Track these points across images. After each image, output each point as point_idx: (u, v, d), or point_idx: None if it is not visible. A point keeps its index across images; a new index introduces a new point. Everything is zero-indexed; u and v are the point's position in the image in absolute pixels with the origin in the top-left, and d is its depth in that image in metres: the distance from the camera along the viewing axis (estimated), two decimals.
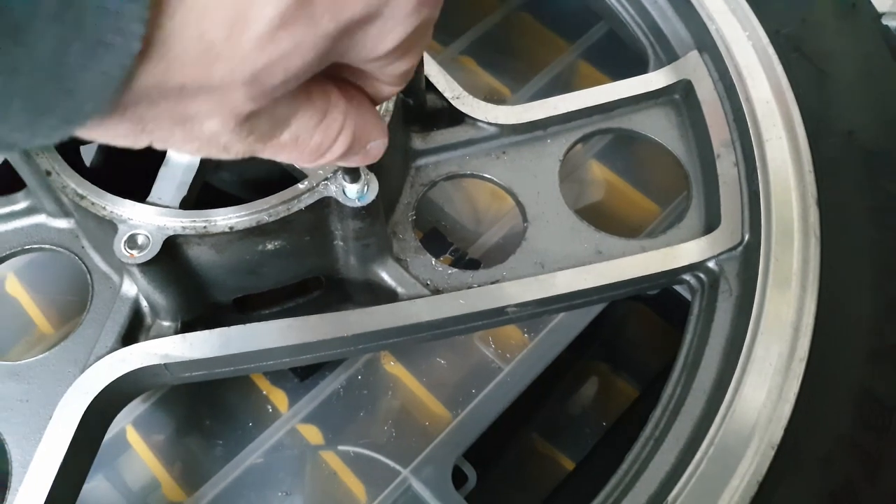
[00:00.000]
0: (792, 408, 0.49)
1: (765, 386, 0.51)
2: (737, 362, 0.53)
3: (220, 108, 0.27)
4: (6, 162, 0.59)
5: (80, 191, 0.50)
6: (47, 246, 0.60)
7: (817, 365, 0.51)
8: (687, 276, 0.60)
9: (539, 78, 0.85)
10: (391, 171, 0.60)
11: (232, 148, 0.29)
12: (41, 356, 0.55)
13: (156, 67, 0.24)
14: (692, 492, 0.48)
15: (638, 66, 0.73)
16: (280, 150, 0.31)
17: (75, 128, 0.24)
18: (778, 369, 0.51)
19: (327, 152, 0.32)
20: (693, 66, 0.67)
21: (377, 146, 0.35)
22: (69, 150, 0.56)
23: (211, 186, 0.61)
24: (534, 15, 0.91)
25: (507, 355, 0.69)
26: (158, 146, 0.29)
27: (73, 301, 0.73)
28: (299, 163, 0.33)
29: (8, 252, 0.59)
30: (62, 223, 0.60)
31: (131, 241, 0.48)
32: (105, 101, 0.24)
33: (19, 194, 0.60)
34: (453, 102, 0.65)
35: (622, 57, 0.80)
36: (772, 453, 0.48)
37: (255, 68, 0.26)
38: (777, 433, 0.49)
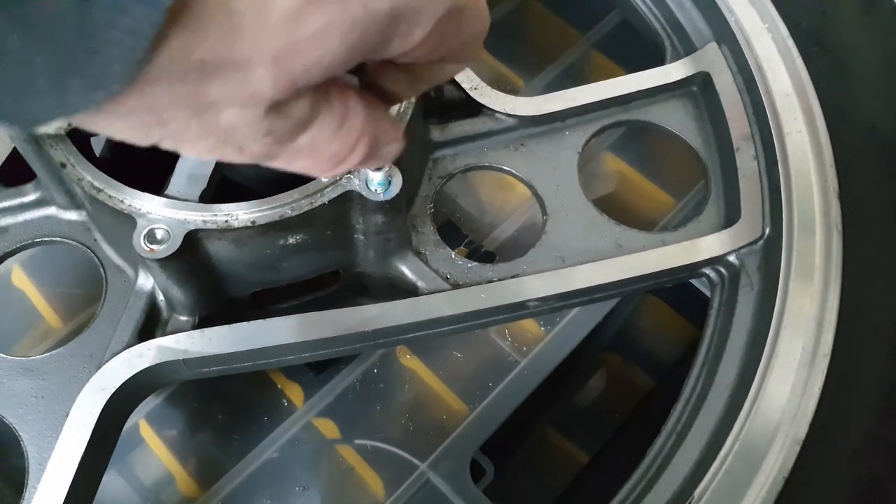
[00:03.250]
0: (817, 403, 0.49)
1: (789, 381, 0.51)
2: (760, 357, 0.53)
3: (240, 92, 0.26)
4: (15, 154, 0.57)
5: (96, 183, 0.49)
6: (58, 239, 0.58)
7: (841, 360, 0.51)
8: (707, 270, 0.60)
9: (552, 68, 0.84)
10: (411, 164, 0.59)
11: (247, 148, 0.28)
12: (55, 352, 0.54)
13: (179, 35, 0.23)
14: (718, 487, 0.48)
15: (652, 56, 0.72)
16: (296, 156, 0.30)
17: (103, 95, 0.23)
18: (802, 364, 0.51)
19: (345, 160, 0.31)
20: (711, 59, 0.67)
21: (393, 150, 0.34)
22: (80, 143, 0.54)
23: (226, 180, 0.60)
24: (546, 4, 0.90)
25: (524, 348, 0.69)
26: (168, 144, 0.27)
27: (80, 294, 0.72)
28: (315, 172, 0.32)
29: (18, 245, 0.58)
30: (73, 215, 0.59)
31: (150, 236, 0.47)
32: (134, 62, 0.22)
33: (29, 186, 0.58)
34: (471, 93, 0.64)
35: (635, 47, 0.80)
36: (797, 449, 0.48)
37: (279, 46, 0.25)
38: (802, 429, 0.49)
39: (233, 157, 0.29)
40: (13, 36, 0.20)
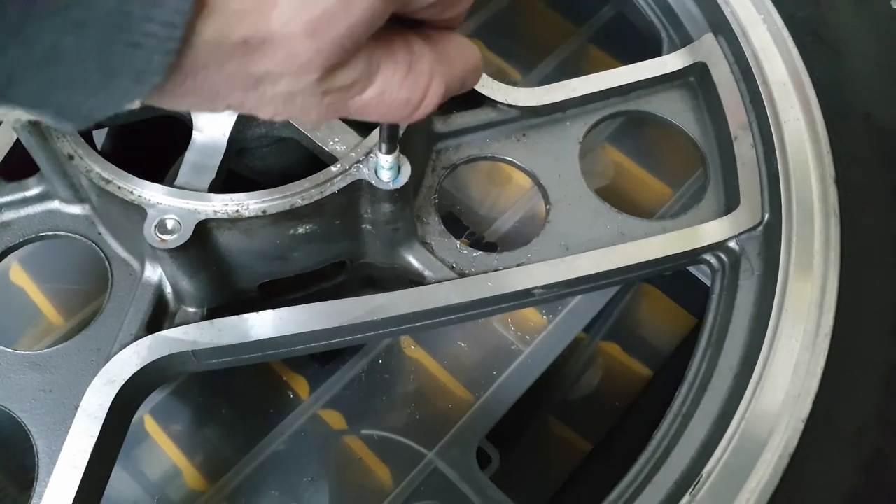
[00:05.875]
0: (819, 382, 0.51)
1: (791, 362, 0.52)
2: (762, 339, 0.54)
3: (288, 64, 0.26)
4: (16, 147, 0.57)
5: (105, 175, 0.49)
6: (62, 233, 0.58)
7: (843, 340, 0.52)
8: (708, 256, 0.61)
9: (549, 61, 0.84)
10: (416, 154, 0.60)
11: (311, 110, 0.28)
12: (62, 345, 0.53)
13: (216, 20, 0.24)
14: (726, 465, 0.49)
15: (646, 48, 0.73)
16: (366, 109, 0.30)
17: (147, 88, 0.24)
18: (804, 345, 0.52)
19: (422, 104, 0.30)
20: (708, 49, 0.68)
21: (473, 77, 0.33)
22: (83, 136, 0.54)
23: (232, 172, 0.60)
24: None
25: (527, 337, 0.70)
26: (238, 111, 0.28)
27: (80, 290, 0.71)
28: (393, 120, 0.31)
29: (22, 239, 0.57)
30: (76, 209, 0.58)
31: (161, 226, 0.47)
32: (171, 52, 0.23)
33: (31, 180, 0.58)
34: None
35: (630, 40, 0.81)
36: (801, 427, 0.49)
37: (314, 16, 0.25)
38: (806, 407, 0.50)
39: (301, 117, 0.29)
40: (68, 38, 0.22)
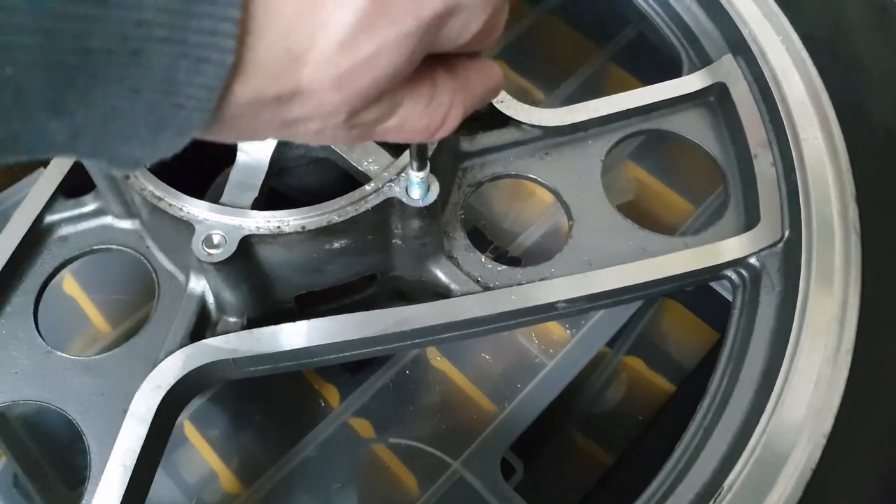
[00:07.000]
0: (841, 397, 0.51)
1: (813, 376, 0.53)
2: (783, 354, 0.55)
3: (318, 111, 0.29)
4: (76, 167, 0.61)
5: (157, 193, 0.52)
6: (114, 246, 0.62)
7: (864, 356, 0.53)
8: (729, 272, 0.62)
9: (571, 81, 0.87)
10: (443, 173, 0.62)
11: (339, 139, 0.31)
12: (113, 352, 0.57)
13: (251, 82, 0.27)
14: (748, 478, 0.50)
15: (667, 68, 0.75)
16: (387, 135, 0.32)
17: (187, 139, 0.27)
18: (825, 360, 0.53)
19: (440, 129, 0.32)
20: (728, 70, 0.70)
21: (492, 95, 0.35)
22: None
23: (272, 190, 0.63)
24: (564, 19, 0.93)
25: (550, 350, 0.71)
26: (274, 139, 0.32)
27: (126, 300, 0.75)
28: (411, 141, 0.35)
29: (77, 252, 0.61)
30: (127, 224, 0.62)
31: (208, 241, 0.50)
32: (209, 111, 0.26)
33: (88, 197, 0.62)
34: (498, 106, 0.67)
35: (652, 60, 0.83)
36: (823, 442, 0.50)
37: (340, 72, 0.27)
38: (828, 422, 0.51)
39: (331, 143, 0.33)
40: (124, 102, 0.25)
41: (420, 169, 0.50)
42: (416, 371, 0.71)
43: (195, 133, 0.27)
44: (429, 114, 0.32)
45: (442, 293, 0.61)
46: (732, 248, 0.62)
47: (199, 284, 0.57)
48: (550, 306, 0.60)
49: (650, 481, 0.54)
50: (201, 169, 0.68)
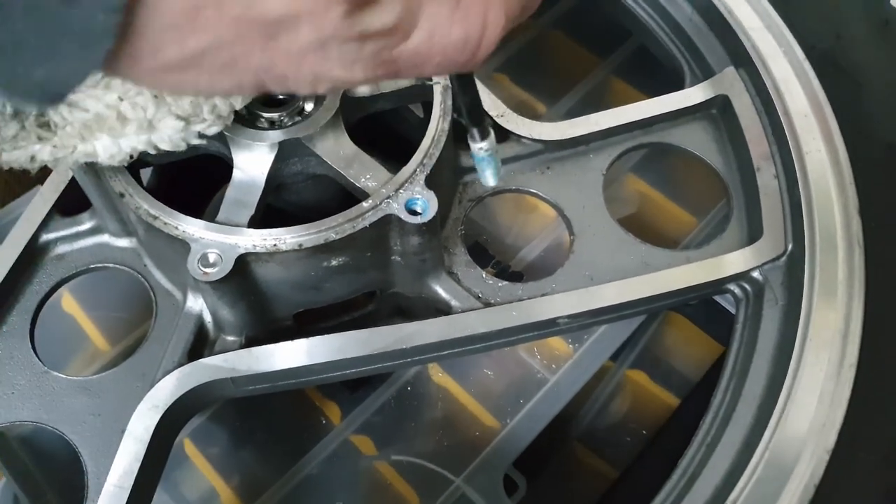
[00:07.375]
0: (845, 413, 0.51)
1: (816, 391, 0.52)
2: (787, 369, 0.54)
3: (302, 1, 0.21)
4: (71, 185, 0.61)
5: (153, 211, 0.52)
6: (111, 264, 0.62)
7: (868, 370, 0.52)
8: (732, 286, 0.62)
9: (573, 94, 0.87)
10: (443, 187, 0.62)
11: (355, 64, 0.23)
12: (110, 371, 0.57)
13: None
14: (751, 495, 0.49)
15: (669, 81, 0.75)
16: (417, 60, 0.24)
17: (99, 54, 0.20)
18: (829, 375, 0.52)
19: (483, 40, 0.25)
20: (730, 82, 0.69)
21: (534, 1, 0.27)
22: (131, 174, 0.58)
23: (269, 205, 0.63)
24: (566, 32, 0.93)
25: (553, 366, 0.71)
26: (275, 86, 0.23)
27: (124, 318, 0.75)
28: (457, 69, 0.24)
29: (74, 271, 0.61)
30: (124, 242, 0.62)
31: (204, 260, 0.50)
32: (116, 9, 0.20)
33: (84, 215, 0.62)
34: (498, 120, 0.67)
35: (653, 72, 0.82)
36: (827, 457, 0.49)
37: None
38: (831, 437, 0.50)
39: (348, 78, 0.23)
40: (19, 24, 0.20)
41: (483, 137, 0.37)
42: (417, 387, 0.71)
43: (106, 44, 0.20)
44: (460, 19, 0.24)
45: (442, 309, 0.61)
46: (735, 261, 0.61)
47: (196, 303, 0.57)
48: (552, 322, 0.59)
49: (654, 496, 0.53)
50: (200, 188, 0.68)
